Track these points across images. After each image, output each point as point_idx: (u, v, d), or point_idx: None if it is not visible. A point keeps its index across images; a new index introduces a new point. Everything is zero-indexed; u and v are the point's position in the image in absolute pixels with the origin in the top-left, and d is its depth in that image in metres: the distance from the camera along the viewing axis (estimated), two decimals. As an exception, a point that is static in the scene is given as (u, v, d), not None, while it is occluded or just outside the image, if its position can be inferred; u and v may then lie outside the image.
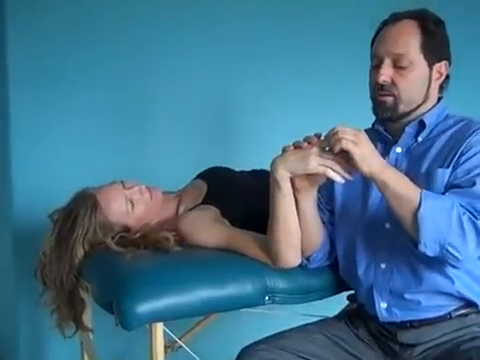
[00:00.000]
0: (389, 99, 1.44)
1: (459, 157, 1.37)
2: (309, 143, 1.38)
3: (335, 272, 1.59)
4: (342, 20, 2.62)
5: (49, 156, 2.29)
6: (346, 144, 1.29)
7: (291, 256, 1.50)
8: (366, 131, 1.59)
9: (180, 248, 1.58)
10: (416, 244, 1.31)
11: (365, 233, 1.50)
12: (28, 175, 2.26)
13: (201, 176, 1.92)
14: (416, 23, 1.43)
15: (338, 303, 1.69)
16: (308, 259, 1.55)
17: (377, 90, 1.45)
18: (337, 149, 1.31)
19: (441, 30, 1.47)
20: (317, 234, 1.53)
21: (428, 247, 1.29)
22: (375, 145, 1.51)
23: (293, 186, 1.43)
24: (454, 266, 1.33)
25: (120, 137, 2.40)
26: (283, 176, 1.40)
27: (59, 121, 2.30)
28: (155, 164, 2.43)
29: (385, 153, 1.50)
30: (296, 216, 1.46)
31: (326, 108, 2.57)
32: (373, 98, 1.48)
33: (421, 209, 1.28)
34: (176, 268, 1.47)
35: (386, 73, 1.42)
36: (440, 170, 1.39)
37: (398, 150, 1.49)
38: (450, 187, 1.36)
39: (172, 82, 2.45)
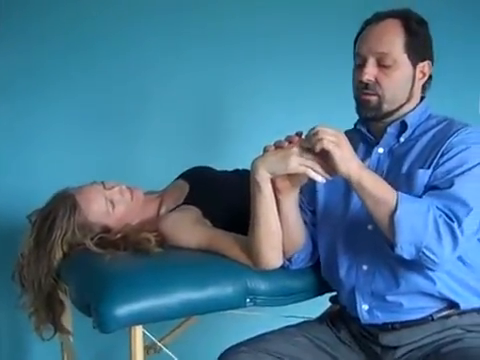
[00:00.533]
0: (373, 98, 1.43)
1: (440, 157, 1.36)
2: (290, 142, 1.37)
3: (317, 273, 1.58)
4: (336, 18, 2.59)
5: (34, 158, 2.28)
6: (327, 144, 1.28)
7: (272, 257, 1.48)
8: (348, 132, 1.59)
9: (161, 249, 1.56)
10: (393, 247, 1.30)
11: (347, 234, 1.49)
12: (11, 176, 2.25)
13: (183, 176, 1.89)
14: (399, 22, 1.42)
15: (320, 304, 1.68)
16: (290, 260, 1.53)
17: (361, 89, 1.44)
18: (318, 149, 1.29)
19: (424, 30, 1.46)
20: (299, 235, 1.52)
21: (404, 250, 1.28)
22: (357, 146, 1.52)
23: (274, 187, 1.42)
24: (431, 269, 1.32)
25: (107, 138, 2.38)
26: (263, 177, 1.39)
27: (44, 123, 2.29)
28: (144, 164, 2.42)
29: (367, 154, 1.49)
30: (277, 217, 1.45)
31: (319, 106, 2.55)
32: (357, 97, 1.47)
33: (397, 212, 1.27)
34: (155, 270, 1.45)
35: (370, 72, 1.41)
36: (420, 171, 1.38)
37: (380, 151, 1.48)
38: (429, 188, 1.35)
39: (162, 82, 2.43)
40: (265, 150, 1.39)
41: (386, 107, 1.43)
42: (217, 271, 1.48)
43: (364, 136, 1.52)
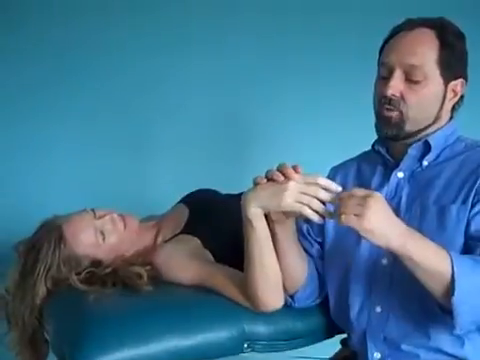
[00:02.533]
0: (395, 115, 1.25)
1: (477, 194, 1.19)
2: (285, 176, 1.20)
3: (326, 313, 1.41)
4: (356, 37, 2.41)
5: (43, 177, 2.24)
6: (347, 220, 1.09)
7: (272, 299, 1.32)
8: (364, 154, 1.42)
9: (150, 287, 1.42)
10: (444, 310, 1.13)
11: (359, 270, 1.31)
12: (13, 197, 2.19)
13: (184, 200, 1.75)
14: (434, 33, 1.25)
15: (331, 345, 1.51)
16: (293, 298, 1.37)
17: (383, 104, 1.26)
18: (340, 224, 1.11)
19: (461, 44, 1.28)
20: (300, 269, 1.36)
21: (464, 330, 1.13)
22: (375, 168, 1.36)
23: (268, 218, 1.26)
24: None
25: (117, 158, 2.32)
26: (256, 214, 1.23)
27: (54, 140, 2.25)
28: (156, 181, 2.34)
29: (385, 178, 1.33)
30: (274, 255, 1.29)
31: (340, 121, 2.40)
32: (377, 112, 1.30)
33: (456, 294, 1.08)
34: (141, 313, 1.31)
35: (396, 86, 1.24)
36: (453, 206, 1.20)
37: (400, 175, 1.31)
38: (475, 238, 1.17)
39: (175, 96, 2.36)
40: (255, 183, 1.23)
41: (409, 127, 1.26)
42: (210, 313, 1.34)
43: (383, 158, 1.35)
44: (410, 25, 1.27)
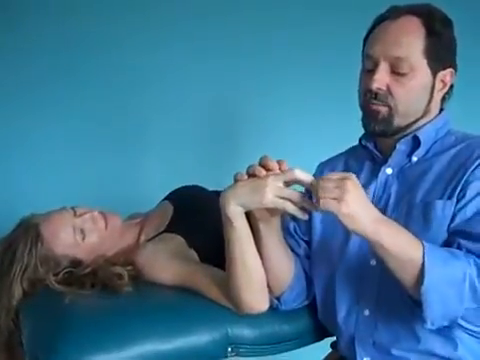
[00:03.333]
0: (383, 110, 1.19)
1: (462, 190, 1.13)
2: (267, 169, 1.14)
3: (314, 315, 1.35)
4: (356, 32, 2.35)
5: (34, 175, 2.17)
6: (326, 205, 1.04)
7: (256, 301, 1.26)
8: (352, 149, 1.36)
9: (130, 288, 1.35)
10: (416, 303, 1.07)
11: (347, 271, 1.26)
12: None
13: (168, 197, 1.69)
14: (420, 21, 1.19)
15: (321, 349, 1.45)
16: (279, 300, 1.31)
17: (369, 98, 1.20)
18: (319, 211, 1.07)
19: (449, 31, 1.22)
20: (287, 269, 1.30)
21: (436, 324, 1.07)
22: (363, 164, 1.30)
23: (251, 214, 1.20)
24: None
25: (110, 152, 2.25)
26: (235, 213, 1.16)
27: (46, 140, 2.19)
28: (148, 179, 2.27)
29: (373, 174, 1.27)
30: (257, 255, 1.22)
31: (335, 120, 2.31)
32: (363, 107, 1.24)
33: (425, 282, 1.03)
34: (120, 316, 1.25)
35: (381, 79, 1.18)
36: (439, 202, 1.14)
37: (388, 171, 1.25)
38: (458, 233, 1.11)
39: (171, 95, 2.28)
40: (236, 179, 1.17)
41: (398, 121, 1.20)
42: (192, 316, 1.27)
43: (371, 153, 1.29)
44: (395, 13, 1.21)
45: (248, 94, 2.33)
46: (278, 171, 1.14)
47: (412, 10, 1.21)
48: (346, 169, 1.35)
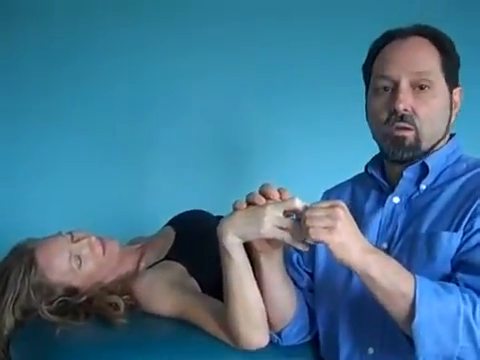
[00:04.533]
0: (409, 135, 1.12)
1: (471, 220, 1.05)
2: (267, 198, 1.07)
3: (315, 351, 1.28)
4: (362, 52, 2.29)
5: (43, 192, 2.15)
6: (315, 234, 0.97)
7: (255, 337, 1.19)
8: (358, 176, 1.29)
9: (125, 321, 1.29)
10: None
11: (350, 307, 1.19)
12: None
13: (171, 222, 1.63)
14: (429, 41, 1.15)
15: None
16: (279, 335, 1.24)
17: (393, 122, 1.12)
18: (309, 241, 1.01)
19: (455, 51, 1.18)
20: (289, 303, 1.23)
21: None
22: (369, 193, 1.24)
23: (251, 246, 1.13)
24: None
25: (118, 169, 2.22)
26: (233, 244, 1.10)
27: (52, 157, 2.17)
28: (156, 196, 2.22)
29: (380, 203, 1.20)
30: (256, 288, 1.16)
31: (340, 140, 2.26)
32: (386, 134, 1.15)
33: (416, 318, 0.96)
34: (112, 350, 1.20)
35: (407, 99, 1.11)
36: (445, 234, 1.07)
37: (395, 200, 1.18)
38: (459, 263, 1.04)
39: (174, 113, 2.25)
40: (235, 208, 1.10)
41: (424, 145, 1.13)
42: (189, 351, 1.22)
43: (377, 182, 1.22)
44: (401, 34, 1.16)
45: (255, 114, 2.28)
46: (278, 199, 1.07)
47: (418, 31, 1.16)
48: (353, 198, 1.29)
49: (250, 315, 1.16)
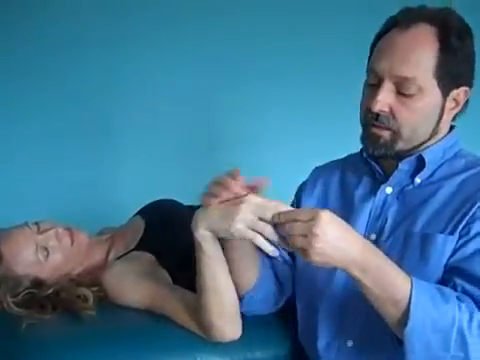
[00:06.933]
0: (385, 134, 1.08)
1: (467, 224, 1.03)
2: (252, 189, 1.04)
3: (288, 341, 1.27)
4: (341, 15, 2.27)
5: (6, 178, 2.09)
6: (294, 244, 0.95)
7: (229, 328, 1.17)
8: (351, 158, 1.25)
9: (94, 313, 1.26)
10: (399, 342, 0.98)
11: (332, 297, 1.16)
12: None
13: (141, 212, 1.60)
14: (434, 32, 1.05)
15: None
16: (241, 301, 1.21)
17: (369, 119, 1.09)
18: (291, 249, 0.99)
19: (466, 45, 1.07)
20: (250, 266, 1.20)
21: None
22: (361, 178, 1.19)
23: None
24: None
25: (82, 164, 2.17)
26: (205, 237, 1.08)
27: (16, 142, 2.10)
28: (125, 193, 2.18)
29: (372, 191, 1.17)
30: (230, 281, 1.14)
31: (325, 129, 2.26)
32: (364, 126, 1.12)
33: (409, 325, 0.94)
34: (82, 343, 1.17)
35: (384, 100, 1.06)
36: (440, 236, 1.05)
37: (388, 190, 1.15)
38: (456, 269, 1.02)
39: (144, 105, 2.21)
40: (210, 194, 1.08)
41: (400, 146, 1.09)
42: (160, 343, 1.19)
43: (372, 168, 1.18)
44: (407, 20, 1.06)
45: (228, 104, 2.25)
46: (256, 195, 1.03)
47: (427, 16, 1.06)
48: (342, 182, 1.25)
49: (223, 307, 1.14)
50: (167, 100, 2.20)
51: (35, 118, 2.11)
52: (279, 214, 0.98)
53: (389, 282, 0.96)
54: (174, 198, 1.65)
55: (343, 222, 0.97)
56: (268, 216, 0.99)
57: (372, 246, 0.99)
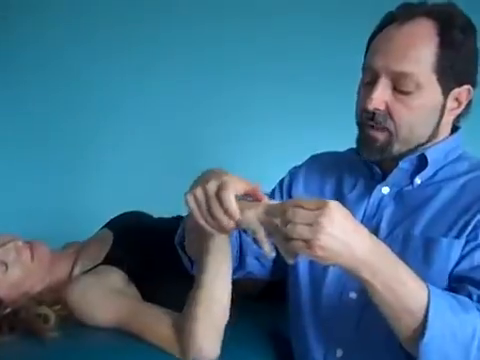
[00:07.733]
0: (381, 136, 1.01)
1: (475, 229, 0.96)
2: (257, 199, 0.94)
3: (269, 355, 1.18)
4: (332, 15, 2.20)
5: None
6: (294, 248, 0.85)
7: (209, 340, 1.07)
8: (351, 151, 1.16)
9: (56, 334, 1.15)
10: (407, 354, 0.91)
11: (321, 301, 1.08)
12: None
13: (108, 224, 1.50)
14: (436, 26, 0.99)
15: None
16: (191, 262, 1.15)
17: (365, 119, 1.01)
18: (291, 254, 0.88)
19: (469, 40, 1.01)
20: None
21: None
22: (357, 176, 1.12)
23: None
24: None
25: (51, 177, 2.11)
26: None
27: None
28: (95, 206, 2.08)
29: (367, 191, 1.09)
30: (229, 293, 1.07)
31: (318, 129, 2.11)
32: (359, 127, 1.05)
33: (426, 337, 0.85)
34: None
35: (380, 98, 0.99)
36: (444, 240, 0.97)
37: (384, 190, 1.08)
38: (466, 279, 0.94)
39: (120, 112, 2.16)
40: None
41: (397, 148, 1.02)
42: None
43: (369, 166, 1.10)
44: (404, 15, 1.01)
45: (210, 109, 2.19)
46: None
47: (426, 11, 1.00)
48: (338, 181, 1.17)
49: (213, 317, 1.07)
50: (145, 107, 2.16)
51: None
52: (283, 203, 0.89)
53: (403, 290, 0.87)
54: (145, 210, 1.57)
55: (352, 216, 0.88)
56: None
57: (384, 246, 0.90)
